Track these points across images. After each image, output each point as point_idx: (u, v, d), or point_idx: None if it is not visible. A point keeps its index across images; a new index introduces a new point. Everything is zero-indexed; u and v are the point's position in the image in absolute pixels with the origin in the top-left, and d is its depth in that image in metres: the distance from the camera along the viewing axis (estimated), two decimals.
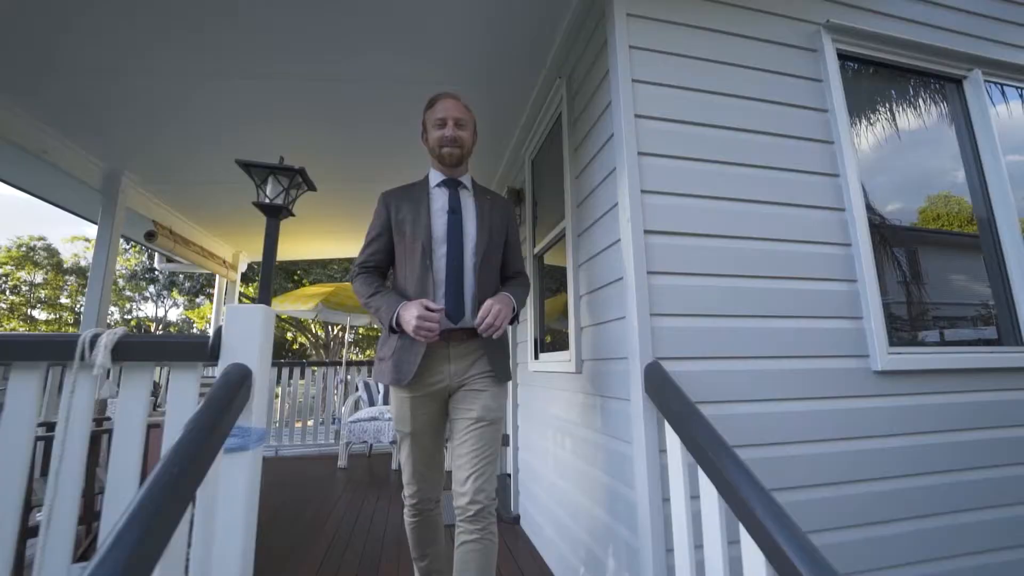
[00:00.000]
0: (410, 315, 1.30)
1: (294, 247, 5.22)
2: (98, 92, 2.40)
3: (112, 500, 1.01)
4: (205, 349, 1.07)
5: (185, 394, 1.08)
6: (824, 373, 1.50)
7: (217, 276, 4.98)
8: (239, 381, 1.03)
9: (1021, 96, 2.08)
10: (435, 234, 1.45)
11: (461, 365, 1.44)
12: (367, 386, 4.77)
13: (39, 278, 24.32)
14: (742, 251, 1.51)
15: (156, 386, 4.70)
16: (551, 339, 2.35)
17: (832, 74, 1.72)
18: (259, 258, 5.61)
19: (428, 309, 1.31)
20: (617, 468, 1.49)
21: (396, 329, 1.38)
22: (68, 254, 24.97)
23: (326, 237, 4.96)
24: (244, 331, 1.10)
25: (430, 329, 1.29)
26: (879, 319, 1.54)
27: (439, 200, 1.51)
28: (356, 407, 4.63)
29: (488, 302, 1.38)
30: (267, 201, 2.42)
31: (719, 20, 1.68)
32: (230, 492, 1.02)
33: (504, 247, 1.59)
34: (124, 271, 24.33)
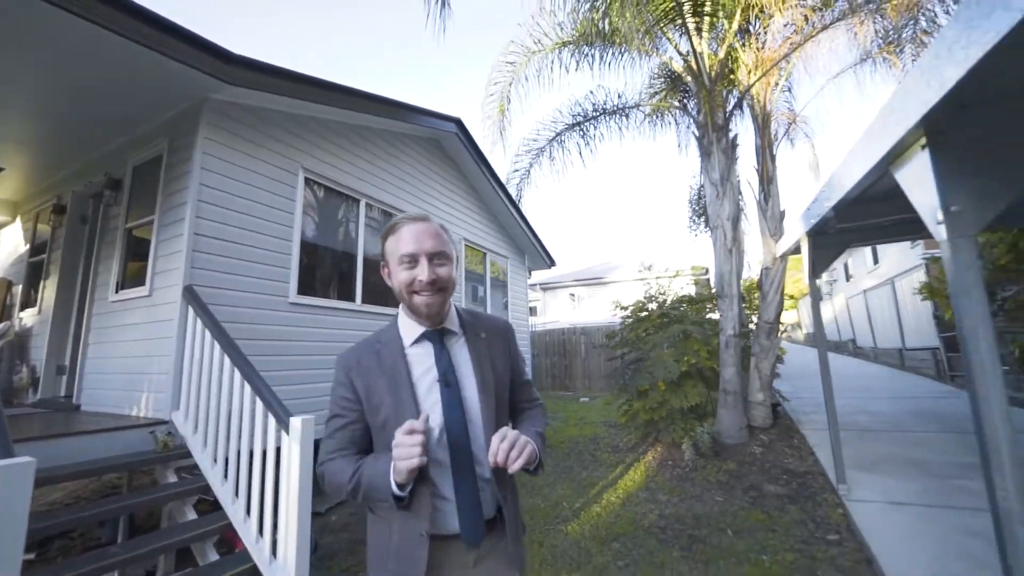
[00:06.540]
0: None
1: None
2: None
3: None
4: None
5: None
6: (272, 300, 3.97)
7: None
8: None
9: (374, 209, 5.46)
10: (430, 427, 1.02)
11: (487, 566, 1.12)
12: None
13: None
14: (245, 249, 3.80)
15: None
16: (129, 279, 3.92)
17: (299, 187, 4.34)
18: None
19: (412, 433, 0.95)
20: (166, 329, 3.42)
21: (402, 495, 0.99)
22: None
23: None
24: None
25: (406, 456, 0.93)
26: (294, 283, 4.19)
27: (421, 364, 1.13)
28: None
29: (504, 428, 1.00)
30: None
31: (261, 153, 3.97)
32: None
33: (511, 385, 1.24)
34: None
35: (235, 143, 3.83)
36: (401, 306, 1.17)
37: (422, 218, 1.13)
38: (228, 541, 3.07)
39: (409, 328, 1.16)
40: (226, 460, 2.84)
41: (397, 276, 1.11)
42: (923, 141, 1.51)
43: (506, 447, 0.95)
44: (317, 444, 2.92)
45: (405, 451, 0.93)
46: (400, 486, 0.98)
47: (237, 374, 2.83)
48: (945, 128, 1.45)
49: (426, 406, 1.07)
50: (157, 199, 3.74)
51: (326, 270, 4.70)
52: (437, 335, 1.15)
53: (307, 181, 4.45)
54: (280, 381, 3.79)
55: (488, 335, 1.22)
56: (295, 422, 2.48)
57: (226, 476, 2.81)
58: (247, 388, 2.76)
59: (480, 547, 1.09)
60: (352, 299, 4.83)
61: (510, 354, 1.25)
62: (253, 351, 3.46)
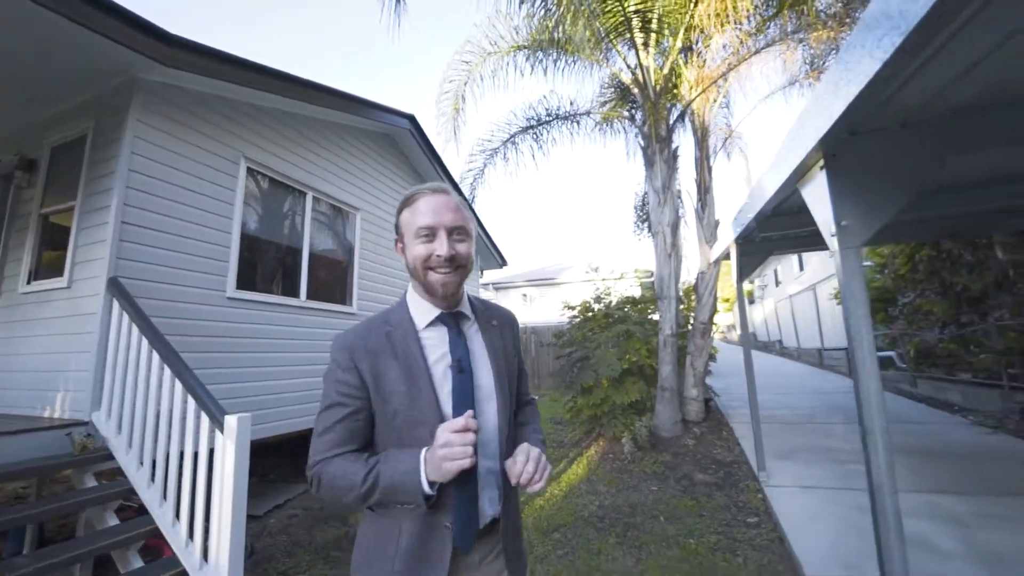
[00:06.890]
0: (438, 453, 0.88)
1: None
2: None
3: None
4: None
5: None
6: (208, 294, 3.78)
7: None
8: None
9: (322, 203, 5.32)
10: (447, 415, 0.98)
11: (491, 566, 1.06)
12: None
13: None
14: (179, 240, 3.60)
15: None
16: (44, 269, 3.60)
17: (241, 177, 4.16)
18: None
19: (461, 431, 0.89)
20: (87, 324, 3.18)
21: (431, 492, 0.91)
22: None
23: None
24: None
25: (458, 456, 0.86)
26: (233, 277, 4.01)
27: (436, 349, 1.04)
28: None
29: (525, 445, 0.99)
30: None
31: (199, 140, 3.76)
32: None
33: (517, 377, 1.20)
34: None
35: (170, 127, 3.62)
36: (410, 285, 1.09)
37: (442, 190, 1.04)
38: (154, 547, 2.91)
39: (422, 309, 1.06)
40: (153, 462, 2.70)
41: (412, 250, 1.02)
42: (821, 163, 1.72)
43: (531, 468, 0.93)
44: (255, 444, 2.82)
45: (457, 451, 0.86)
46: (430, 484, 0.90)
47: (167, 371, 2.69)
48: (837, 152, 1.67)
49: (442, 395, 1.00)
50: (80, 183, 3.47)
51: (269, 264, 4.53)
52: (452, 318, 1.07)
53: (249, 171, 4.27)
54: (216, 379, 3.61)
55: (499, 324, 1.16)
56: (230, 420, 2.41)
57: (153, 479, 2.67)
58: (178, 385, 2.64)
59: (482, 546, 1.03)
60: (296, 295, 4.68)
61: (515, 345, 1.20)
62: (186, 348, 3.30)
